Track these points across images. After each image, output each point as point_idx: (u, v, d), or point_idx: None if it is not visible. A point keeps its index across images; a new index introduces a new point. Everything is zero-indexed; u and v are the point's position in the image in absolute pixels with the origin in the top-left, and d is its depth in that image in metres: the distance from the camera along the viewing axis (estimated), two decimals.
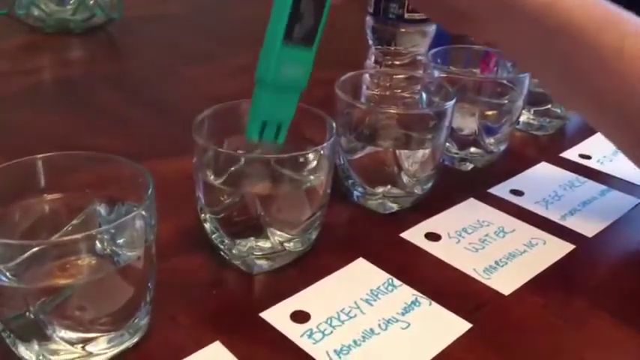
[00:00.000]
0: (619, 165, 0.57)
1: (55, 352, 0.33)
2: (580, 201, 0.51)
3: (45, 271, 0.33)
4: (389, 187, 0.48)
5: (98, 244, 0.34)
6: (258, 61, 0.38)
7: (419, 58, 0.59)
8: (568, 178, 0.55)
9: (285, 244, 0.41)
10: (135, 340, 0.35)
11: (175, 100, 0.67)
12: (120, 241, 0.34)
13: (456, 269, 0.42)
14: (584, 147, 0.60)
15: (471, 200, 0.50)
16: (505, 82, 0.55)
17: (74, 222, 0.37)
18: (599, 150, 0.59)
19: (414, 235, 0.46)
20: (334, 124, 0.41)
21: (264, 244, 0.41)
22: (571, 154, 0.59)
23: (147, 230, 0.34)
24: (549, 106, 0.62)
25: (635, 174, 0.53)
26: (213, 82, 0.72)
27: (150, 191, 0.34)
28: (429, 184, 0.49)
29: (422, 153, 0.47)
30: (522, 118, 0.62)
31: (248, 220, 0.40)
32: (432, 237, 0.45)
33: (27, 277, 0.32)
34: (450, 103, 0.46)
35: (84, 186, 0.37)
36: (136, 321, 0.35)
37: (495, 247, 0.44)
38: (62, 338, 0.32)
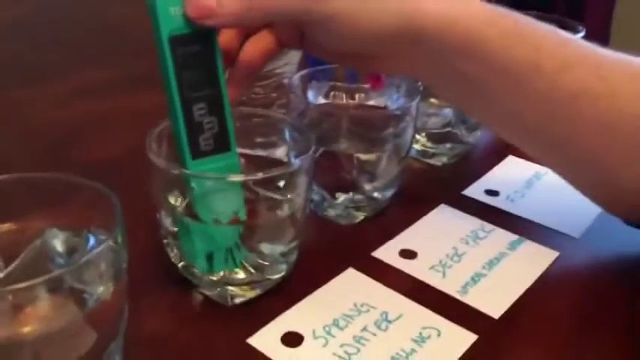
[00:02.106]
0: (533, 201, 0.50)
1: None
2: (485, 261, 0.43)
3: None
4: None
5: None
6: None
7: (285, 81, 0.52)
8: (471, 226, 0.47)
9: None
10: None
11: None
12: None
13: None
14: (490, 180, 0.53)
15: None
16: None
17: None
18: (508, 184, 0.52)
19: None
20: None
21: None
22: (475, 190, 0.51)
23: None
24: (449, 128, 0.55)
25: (552, 212, 0.48)
26: (48, 108, 0.62)
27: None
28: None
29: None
30: (416, 146, 0.55)
31: None
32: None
33: None
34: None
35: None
36: None
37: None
38: None
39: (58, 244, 0.33)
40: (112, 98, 0.65)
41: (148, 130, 0.37)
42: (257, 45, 0.38)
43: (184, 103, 0.34)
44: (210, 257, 0.36)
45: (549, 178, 0.53)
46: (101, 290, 0.30)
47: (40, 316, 0.29)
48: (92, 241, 0.33)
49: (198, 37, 0.34)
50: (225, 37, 0.37)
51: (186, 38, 0.34)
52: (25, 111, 0.62)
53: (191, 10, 0.33)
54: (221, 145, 0.36)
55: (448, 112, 0.54)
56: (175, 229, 0.37)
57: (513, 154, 0.57)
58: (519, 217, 0.48)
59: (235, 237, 0.37)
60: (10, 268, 0.32)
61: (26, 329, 0.28)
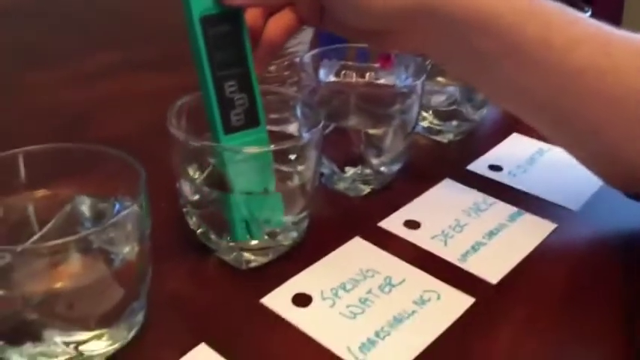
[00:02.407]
0: (534, 176, 0.52)
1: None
2: (485, 232, 0.45)
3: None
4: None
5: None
6: None
7: (297, 60, 0.54)
8: (473, 199, 0.49)
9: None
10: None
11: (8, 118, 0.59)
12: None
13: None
14: (494, 156, 0.55)
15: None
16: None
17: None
18: (511, 159, 0.54)
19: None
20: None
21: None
22: (479, 165, 0.53)
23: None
24: (454, 106, 0.56)
25: (552, 186, 0.50)
26: (60, 90, 0.64)
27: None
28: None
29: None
30: (423, 123, 0.57)
31: None
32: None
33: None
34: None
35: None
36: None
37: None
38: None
39: (87, 209, 0.36)
40: (121, 80, 0.68)
41: (160, 109, 0.40)
42: (279, 22, 0.40)
43: (216, 81, 0.36)
44: (247, 225, 0.39)
45: (552, 154, 0.55)
46: (127, 251, 0.33)
47: (71, 273, 0.32)
48: (118, 207, 0.36)
49: (227, 17, 0.37)
50: (251, 16, 0.40)
51: (216, 18, 0.36)
52: (38, 93, 0.64)
53: None
54: (251, 120, 0.38)
55: (454, 90, 0.55)
56: (194, 198, 0.40)
57: (518, 132, 0.59)
58: (521, 191, 0.50)
59: (273, 206, 0.39)
60: (43, 231, 0.35)
61: (59, 284, 0.31)
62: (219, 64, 0.37)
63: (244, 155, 0.38)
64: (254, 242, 0.40)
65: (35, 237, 0.34)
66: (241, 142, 0.38)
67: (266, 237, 0.40)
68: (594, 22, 0.41)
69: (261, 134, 0.39)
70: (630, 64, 0.40)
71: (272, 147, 0.39)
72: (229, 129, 0.37)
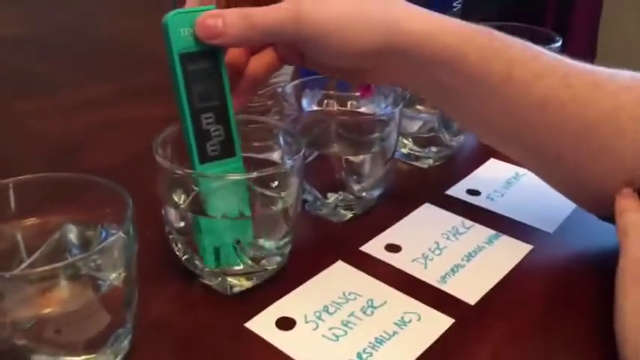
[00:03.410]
0: (511, 200, 0.54)
1: None
2: (464, 254, 0.47)
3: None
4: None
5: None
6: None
7: (280, 90, 0.54)
8: (452, 223, 0.50)
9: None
10: None
11: None
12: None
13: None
14: (472, 181, 0.57)
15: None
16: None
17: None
18: (489, 184, 0.56)
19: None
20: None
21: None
22: (458, 190, 0.55)
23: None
24: (433, 133, 0.58)
25: (528, 209, 0.52)
26: (48, 119, 0.66)
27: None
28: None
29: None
30: (403, 149, 0.59)
31: None
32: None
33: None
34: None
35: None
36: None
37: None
38: None
39: (74, 237, 0.37)
40: (109, 110, 0.69)
41: (146, 139, 0.41)
42: (261, 61, 0.43)
43: (193, 113, 0.38)
44: (217, 252, 0.40)
45: (527, 178, 0.57)
46: (113, 277, 0.34)
47: (60, 298, 0.32)
48: (105, 234, 0.37)
49: (206, 55, 0.39)
50: (234, 54, 0.42)
51: (195, 55, 0.38)
52: (29, 122, 0.66)
53: (200, 30, 0.38)
54: (227, 150, 0.40)
55: (433, 117, 0.57)
56: (180, 225, 0.41)
57: (495, 157, 0.60)
58: (498, 215, 0.52)
59: (242, 232, 0.40)
60: (32, 258, 0.36)
61: (48, 310, 0.32)
62: (197, 97, 0.38)
63: (220, 182, 0.39)
64: (236, 267, 0.41)
65: (24, 264, 0.35)
66: (217, 171, 0.39)
67: (250, 262, 0.41)
68: (557, 56, 0.43)
69: (236, 164, 0.40)
70: (588, 95, 0.42)
71: (255, 174, 0.40)
72: (205, 158, 0.39)
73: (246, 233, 0.40)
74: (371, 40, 0.40)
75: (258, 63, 0.43)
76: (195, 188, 0.40)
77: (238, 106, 0.41)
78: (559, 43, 0.61)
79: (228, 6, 0.41)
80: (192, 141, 0.38)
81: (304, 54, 0.43)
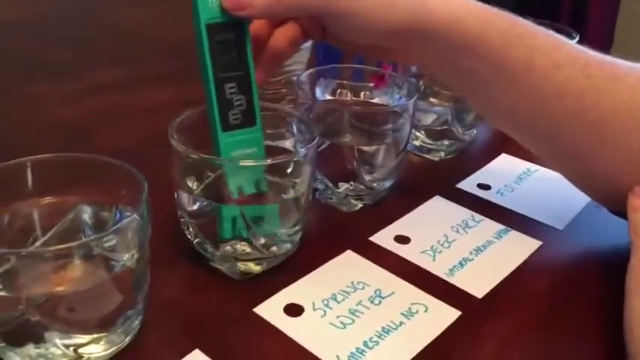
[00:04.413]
0: (521, 196, 0.53)
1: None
2: (472, 248, 0.47)
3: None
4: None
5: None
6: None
7: (294, 78, 0.55)
8: (462, 216, 0.50)
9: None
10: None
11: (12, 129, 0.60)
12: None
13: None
14: (483, 175, 0.56)
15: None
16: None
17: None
18: (499, 179, 0.56)
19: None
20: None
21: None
22: (468, 184, 0.55)
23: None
24: (446, 126, 0.58)
25: (538, 205, 0.52)
26: (60, 103, 0.66)
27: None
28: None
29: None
30: (415, 142, 0.59)
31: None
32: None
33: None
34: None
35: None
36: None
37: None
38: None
39: (88, 217, 0.38)
40: (122, 94, 0.69)
41: (160, 123, 0.41)
42: (284, 33, 0.43)
43: (217, 82, 0.39)
44: (234, 222, 0.40)
45: (539, 174, 0.57)
46: (126, 258, 0.34)
47: (73, 277, 0.33)
48: (119, 215, 0.37)
49: (232, 26, 0.39)
50: (258, 26, 0.42)
51: (221, 26, 0.39)
52: (42, 106, 0.66)
53: (227, 2, 0.38)
54: (248, 120, 0.40)
55: (446, 110, 0.57)
56: (192, 208, 0.41)
57: (506, 152, 0.60)
58: (508, 210, 0.52)
59: (269, 216, 0.41)
60: (45, 238, 0.36)
61: (61, 288, 0.33)
62: (222, 67, 0.39)
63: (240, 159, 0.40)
64: (247, 251, 0.41)
65: (39, 242, 0.36)
66: (237, 139, 0.40)
67: (260, 247, 0.41)
68: (578, 46, 0.43)
69: (256, 134, 0.41)
70: (606, 86, 0.42)
71: (268, 161, 0.41)
72: (227, 127, 0.40)
73: (273, 219, 0.41)
74: (397, 19, 0.40)
75: (282, 36, 0.43)
76: (210, 173, 0.40)
77: (261, 79, 0.41)
78: (576, 40, 0.60)
79: None
80: (215, 109, 0.39)
81: (327, 29, 0.43)
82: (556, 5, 1.55)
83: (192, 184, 0.41)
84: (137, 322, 0.36)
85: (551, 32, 0.43)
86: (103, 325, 0.34)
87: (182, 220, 0.42)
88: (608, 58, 0.43)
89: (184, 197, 0.41)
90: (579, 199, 0.48)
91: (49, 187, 0.36)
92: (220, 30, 0.39)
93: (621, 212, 0.43)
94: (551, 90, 0.42)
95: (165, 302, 0.40)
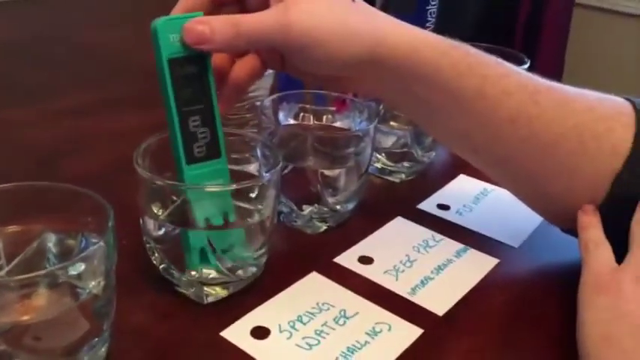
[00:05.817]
0: (479, 215, 0.55)
1: None
2: (433, 267, 0.48)
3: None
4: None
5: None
6: None
7: (258, 104, 0.56)
8: (423, 236, 0.52)
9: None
10: None
11: None
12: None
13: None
14: (442, 195, 0.59)
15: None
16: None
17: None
18: (458, 199, 0.58)
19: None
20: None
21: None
22: (429, 204, 0.57)
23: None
24: (406, 148, 0.59)
25: (495, 224, 0.54)
26: (29, 127, 0.66)
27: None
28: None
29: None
30: (377, 164, 0.60)
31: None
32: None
33: None
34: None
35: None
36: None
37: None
38: None
39: (53, 245, 0.38)
40: (91, 119, 0.69)
41: (126, 147, 0.42)
42: (245, 65, 0.44)
43: (181, 116, 0.40)
44: (202, 253, 0.41)
45: (495, 194, 0.59)
46: (92, 285, 0.34)
47: (39, 306, 0.33)
48: (85, 243, 0.37)
49: (194, 60, 0.40)
50: (219, 59, 0.43)
51: (183, 61, 0.39)
52: (12, 129, 0.65)
53: (188, 36, 0.39)
54: (212, 152, 0.41)
55: (405, 133, 0.59)
56: (158, 234, 0.41)
57: (464, 173, 0.62)
58: (467, 229, 0.54)
59: (235, 240, 0.41)
60: (10, 266, 0.36)
61: (27, 316, 0.33)
62: (185, 101, 0.40)
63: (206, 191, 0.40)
64: (212, 276, 0.42)
65: (3, 271, 0.35)
66: (202, 172, 0.41)
67: (226, 272, 0.42)
68: (527, 74, 0.46)
69: (221, 165, 0.41)
70: (554, 112, 0.44)
71: (233, 186, 0.41)
72: (192, 160, 0.40)
73: (238, 243, 0.41)
74: (356, 51, 0.42)
75: (242, 68, 0.44)
76: (175, 198, 0.41)
77: (223, 110, 0.42)
78: (527, 65, 0.63)
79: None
80: (179, 142, 0.40)
81: (286, 60, 0.44)
82: (510, 34, 1.61)
83: (157, 209, 0.42)
84: (103, 349, 0.36)
85: (501, 61, 0.45)
86: (69, 354, 0.34)
87: (148, 245, 0.43)
88: (556, 84, 0.46)
89: (150, 223, 0.42)
90: (534, 218, 0.50)
91: (13, 216, 0.36)
92: (182, 64, 0.39)
93: (572, 230, 0.46)
94: (502, 116, 0.44)
95: (131, 329, 0.40)
